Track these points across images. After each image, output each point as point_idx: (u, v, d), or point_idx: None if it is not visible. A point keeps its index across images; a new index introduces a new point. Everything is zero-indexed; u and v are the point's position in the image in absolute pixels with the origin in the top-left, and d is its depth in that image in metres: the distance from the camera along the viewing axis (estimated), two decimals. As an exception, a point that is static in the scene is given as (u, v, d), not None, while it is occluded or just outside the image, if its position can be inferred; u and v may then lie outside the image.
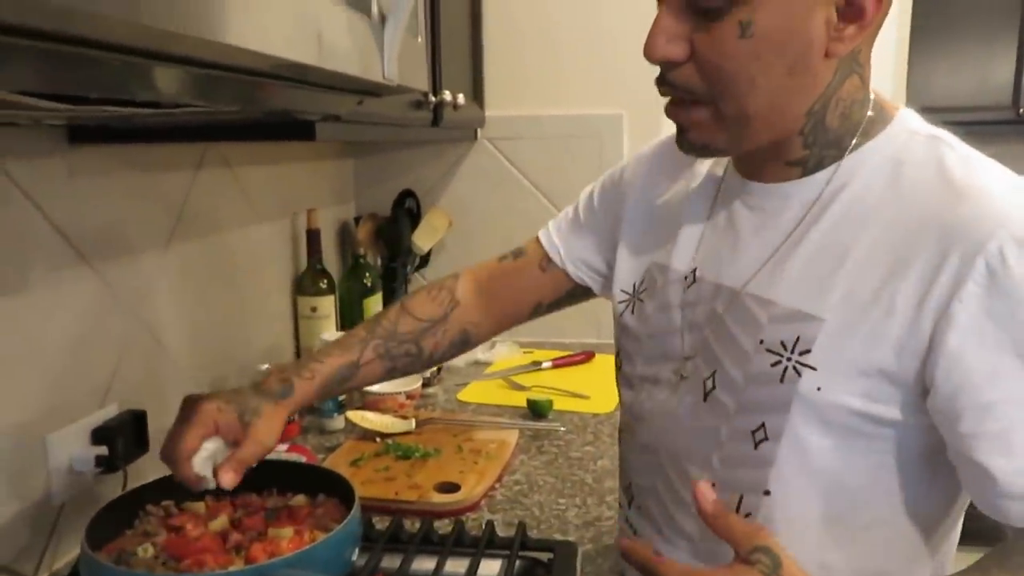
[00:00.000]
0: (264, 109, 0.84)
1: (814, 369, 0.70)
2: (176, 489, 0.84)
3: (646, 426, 0.86)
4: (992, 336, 0.64)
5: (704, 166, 0.87)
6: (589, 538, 1.09)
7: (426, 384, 1.65)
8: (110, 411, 1.13)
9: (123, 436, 1.10)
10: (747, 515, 0.76)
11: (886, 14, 0.70)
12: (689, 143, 0.76)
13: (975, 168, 0.69)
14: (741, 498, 0.77)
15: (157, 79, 0.53)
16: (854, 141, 0.73)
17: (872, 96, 0.75)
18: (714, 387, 0.78)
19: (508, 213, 1.99)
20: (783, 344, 0.72)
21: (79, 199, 1.08)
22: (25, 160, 0.98)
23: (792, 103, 0.71)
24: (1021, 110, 2.70)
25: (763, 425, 0.74)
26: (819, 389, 0.70)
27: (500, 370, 1.80)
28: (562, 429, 1.46)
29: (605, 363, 1.80)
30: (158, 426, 1.19)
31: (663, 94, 0.74)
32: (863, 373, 0.68)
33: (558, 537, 1.08)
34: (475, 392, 1.69)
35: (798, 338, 0.71)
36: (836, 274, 0.70)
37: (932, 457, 0.72)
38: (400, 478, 1.23)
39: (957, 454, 0.69)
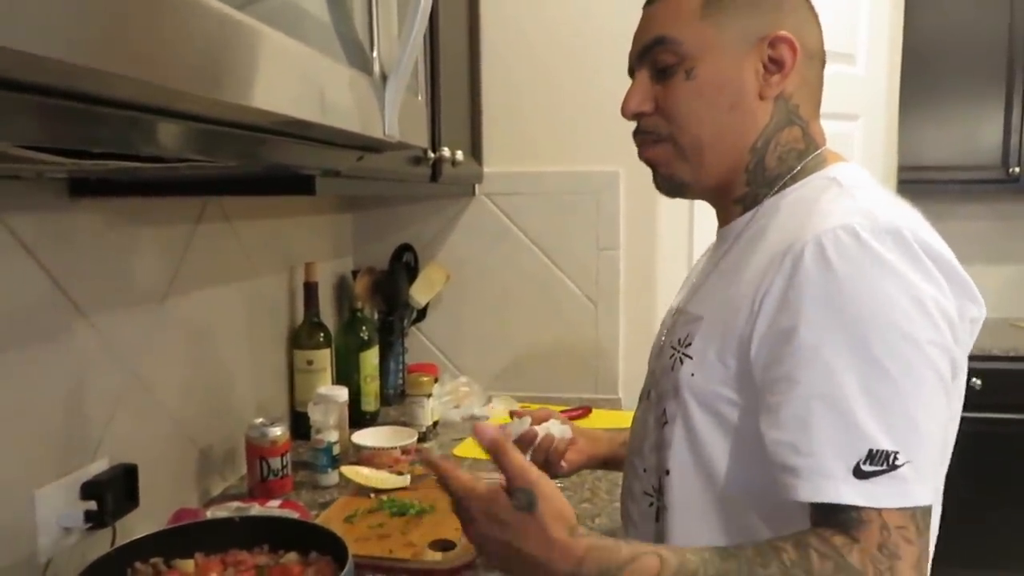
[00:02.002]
0: (266, 164, 0.85)
1: (691, 358, 0.83)
2: (165, 546, 0.82)
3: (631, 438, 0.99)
4: (782, 322, 0.74)
5: None
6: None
7: (422, 439, 1.64)
8: (101, 465, 1.11)
9: (113, 491, 1.08)
10: (661, 496, 0.86)
11: (820, 79, 0.87)
12: (660, 178, 0.91)
13: (838, 198, 0.79)
14: (660, 479, 0.86)
15: (161, 135, 0.54)
16: (783, 183, 0.86)
17: (820, 151, 0.87)
18: (651, 387, 0.93)
19: (505, 268, 2.00)
20: (679, 340, 0.86)
21: (78, 252, 1.08)
22: (25, 213, 0.99)
23: (737, 136, 0.86)
24: (1010, 169, 2.75)
25: (665, 410, 0.86)
26: (693, 375, 0.82)
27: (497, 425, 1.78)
28: (559, 486, 1.44)
29: (602, 418, 1.79)
30: (149, 480, 1.17)
31: (638, 143, 0.91)
32: (722, 363, 0.79)
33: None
34: (471, 447, 1.66)
35: (688, 334, 0.85)
36: (721, 285, 0.85)
37: None
38: (395, 535, 1.21)
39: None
